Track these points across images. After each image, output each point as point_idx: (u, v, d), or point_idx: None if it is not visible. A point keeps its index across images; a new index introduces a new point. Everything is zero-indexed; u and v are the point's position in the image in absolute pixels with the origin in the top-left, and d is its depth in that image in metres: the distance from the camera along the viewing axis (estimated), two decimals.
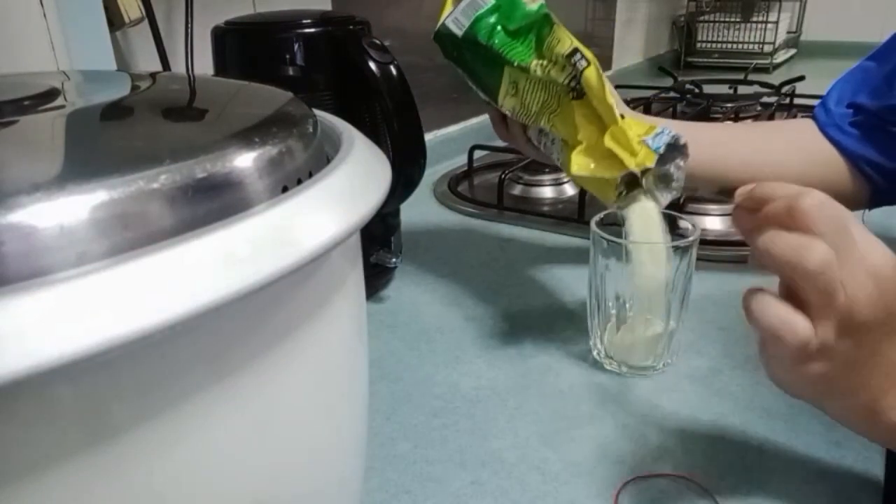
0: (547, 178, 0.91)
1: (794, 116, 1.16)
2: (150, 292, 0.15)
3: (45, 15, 0.51)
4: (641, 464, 0.41)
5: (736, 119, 1.20)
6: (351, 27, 0.55)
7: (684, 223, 0.51)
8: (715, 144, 0.61)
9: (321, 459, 0.25)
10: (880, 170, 0.60)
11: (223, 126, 0.23)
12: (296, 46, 0.53)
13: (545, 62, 0.49)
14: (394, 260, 0.61)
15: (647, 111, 1.29)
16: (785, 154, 0.63)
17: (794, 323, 0.32)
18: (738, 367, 0.51)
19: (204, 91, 0.28)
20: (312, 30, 0.53)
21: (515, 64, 0.50)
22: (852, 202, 0.61)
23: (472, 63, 0.53)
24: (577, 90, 0.47)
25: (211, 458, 0.19)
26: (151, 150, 0.19)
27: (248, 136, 0.21)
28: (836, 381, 0.33)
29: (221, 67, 0.56)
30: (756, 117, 1.20)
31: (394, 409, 0.47)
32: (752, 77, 1.50)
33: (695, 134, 0.48)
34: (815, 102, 1.27)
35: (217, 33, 0.56)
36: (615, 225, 0.50)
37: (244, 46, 0.56)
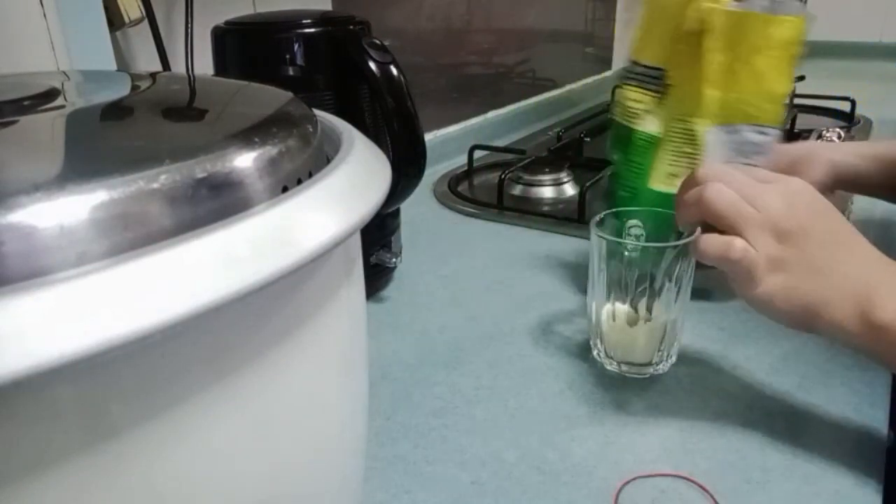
0: (547, 178, 0.91)
1: (794, 117, 1.15)
2: (150, 292, 0.15)
3: (45, 15, 0.51)
4: (641, 464, 0.41)
5: None
6: (351, 27, 0.55)
7: None
8: None
9: (321, 459, 0.25)
10: None
11: (223, 126, 0.23)
12: (296, 46, 0.53)
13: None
14: (394, 260, 0.61)
15: None
16: None
17: (730, 242, 0.40)
18: (738, 367, 0.51)
19: (204, 91, 0.28)
20: (312, 30, 0.53)
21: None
22: None
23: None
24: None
25: (211, 458, 0.19)
26: (151, 150, 0.19)
27: (248, 136, 0.21)
28: (804, 291, 0.39)
29: (221, 67, 0.56)
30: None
31: (394, 409, 0.47)
32: None
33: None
34: (814, 102, 1.28)
35: (217, 33, 0.56)
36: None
37: (244, 46, 0.56)
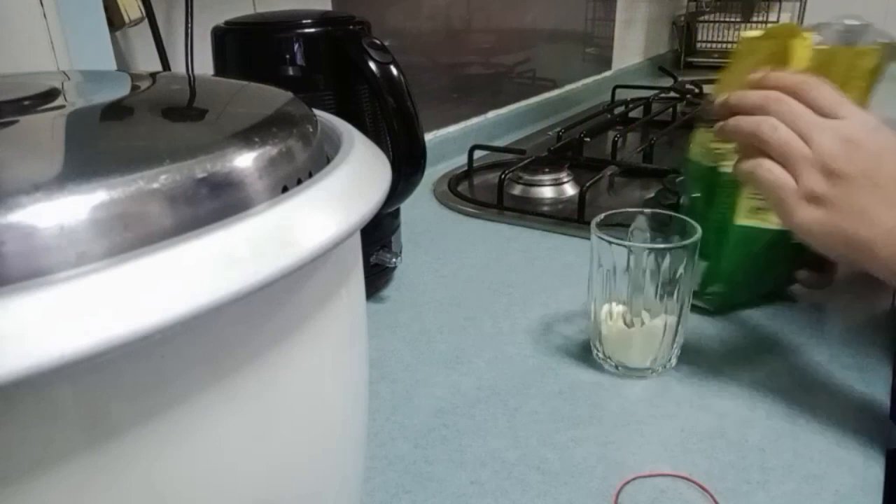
0: (547, 178, 0.91)
1: None
2: (150, 292, 0.15)
3: (45, 15, 0.51)
4: (641, 464, 0.41)
5: None
6: (351, 27, 0.55)
7: (690, 223, 0.51)
8: None
9: (321, 460, 0.25)
10: None
11: (223, 126, 0.23)
12: (296, 46, 0.53)
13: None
14: (394, 260, 0.61)
15: (647, 111, 1.29)
16: None
17: (759, 163, 0.42)
18: (738, 367, 0.51)
19: (204, 91, 0.28)
20: (312, 30, 0.53)
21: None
22: None
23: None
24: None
25: (211, 458, 0.19)
26: (151, 150, 0.19)
27: (248, 136, 0.21)
28: (844, 229, 0.39)
29: (221, 67, 0.56)
30: None
31: (394, 409, 0.47)
32: None
33: None
34: None
35: (217, 33, 0.56)
36: (615, 225, 0.50)
37: (244, 46, 0.56)
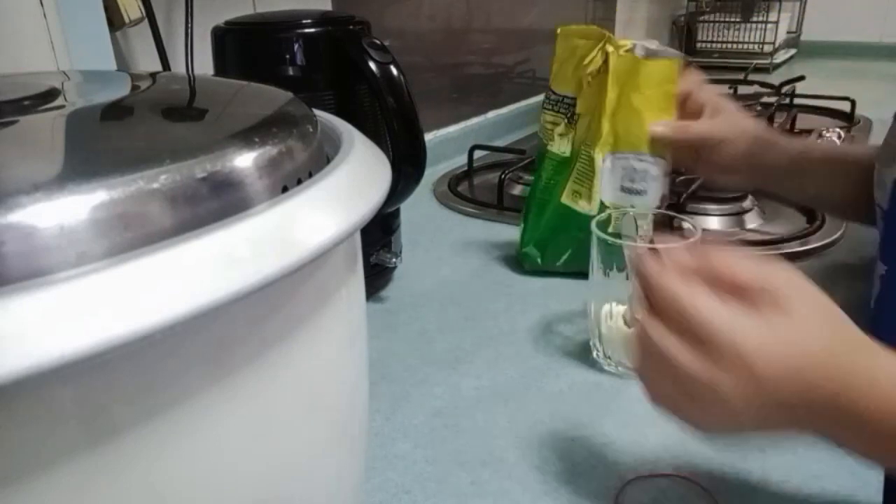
0: None
1: (794, 117, 1.15)
2: (150, 292, 0.15)
3: (45, 15, 0.51)
4: (641, 464, 0.41)
5: None
6: (351, 27, 0.55)
7: (686, 223, 0.51)
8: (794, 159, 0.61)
9: (321, 459, 0.25)
10: None
11: (223, 126, 0.23)
12: (296, 46, 0.53)
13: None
14: (394, 260, 0.61)
15: None
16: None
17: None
18: None
19: (204, 91, 0.28)
20: (312, 30, 0.53)
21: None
22: None
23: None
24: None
25: (211, 457, 0.19)
26: (151, 150, 0.19)
27: (248, 136, 0.21)
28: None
29: (221, 67, 0.56)
30: (755, 118, 1.20)
31: (394, 409, 0.47)
32: (752, 77, 1.50)
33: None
34: (814, 102, 1.28)
35: (217, 33, 0.56)
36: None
37: (244, 46, 0.56)
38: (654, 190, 0.60)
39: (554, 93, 0.64)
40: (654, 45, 0.61)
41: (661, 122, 0.58)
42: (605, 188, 0.61)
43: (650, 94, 0.58)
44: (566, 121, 0.63)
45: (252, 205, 0.19)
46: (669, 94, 0.58)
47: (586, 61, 0.60)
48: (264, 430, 0.21)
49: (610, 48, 0.59)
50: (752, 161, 0.59)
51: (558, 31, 0.65)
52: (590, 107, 0.61)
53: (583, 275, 0.54)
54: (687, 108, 0.60)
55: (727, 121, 0.59)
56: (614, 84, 0.59)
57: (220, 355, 0.19)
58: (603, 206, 0.61)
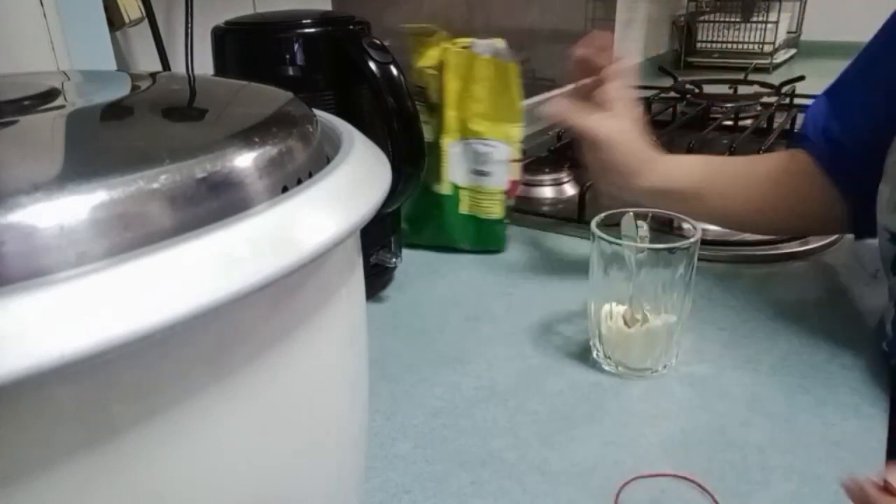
0: (547, 178, 0.90)
1: (794, 117, 1.15)
2: (150, 292, 0.15)
3: (45, 15, 0.51)
4: (641, 464, 0.41)
5: (736, 119, 1.20)
6: (351, 27, 0.55)
7: (686, 224, 0.51)
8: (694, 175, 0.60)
9: (321, 459, 0.25)
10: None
11: (223, 126, 0.23)
12: (296, 46, 0.53)
13: None
14: (394, 260, 0.61)
15: (646, 111, 1.29)
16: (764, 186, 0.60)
17: None
18: (738, 368, 0.51)
19: (204, 91, 0.28)
20: (312, 30, 0.53)
21: None
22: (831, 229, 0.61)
23: None
24: None
25: (211, 457, 0.19)
26: (151, 150, 0.19)
27: (248, 136, 0.21)
28: None
29: (221, 67, 0.56)
30: (756, 117, 1.20)
31: (394, 409, 0.47)
32: (752, 77, 1.50)
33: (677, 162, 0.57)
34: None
35: (217, 33, 0.56)
36: (615, 225, 0.50)
37: (244, 46, 0.56)
38: (499, 172, 0.68)
39: (415, 85, 0.68)
40: (501, 44, 0.67)
41: (556, 101, 0.59)
42: (455, 171, 0.68)
43: (488, 86, 0.66)
44: (428, 111, 0.68)
45: (252, 205, 0.19)
46: (508, 90, 0.66)
47: (426, 57, 0.67)
48: (264, 430, 0.21)
49: (446, 45, 0.66)
50: (636, 179, 0.58)
51: (404, 28, 0.70)
52: (438, 98, 0.67)
53: (455, 250, 0.70)
54: (595, 97, 0.59)
55: (619, 126, 0.58)
56: (454, 78, 0.65)
57: (220, 355, 0.19)
58: (455, 187, 0.69)
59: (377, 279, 0.63)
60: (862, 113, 0.55)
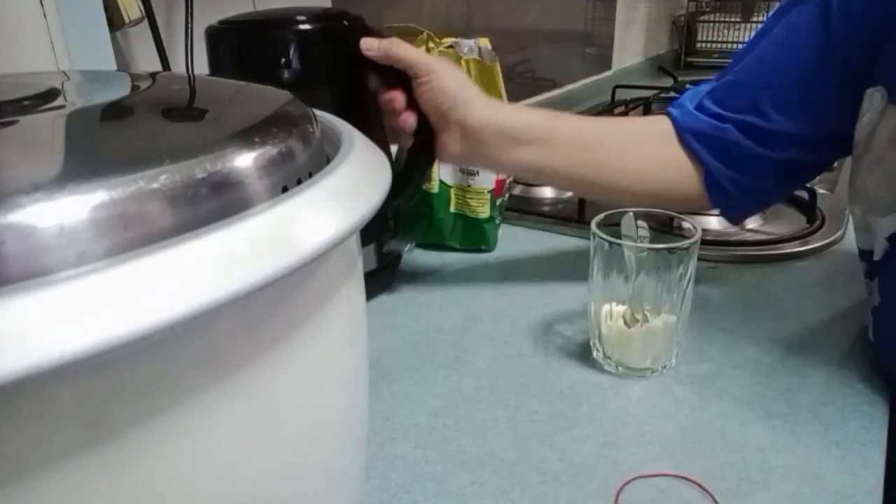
0: None
1: None
2: (150, 292, 0.15)
3: (45, 15, 0.51)
4: (641, 464, 0.41)
5: None
6: (350, 25, 0.55)
7: (686, 224, 0.51)
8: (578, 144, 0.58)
9: (321, 459, 0.25)
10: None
11: (223, 126, 0.23)
12: (294, 45, 0.53)
13: None
14: (406, 246, 0.62)
15: (646, 111, 1.29)
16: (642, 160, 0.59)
17: None
18: (738, 367, 0.51)
19: (204, 91, 0.28)
20: (311, 27, 0.53)
21: None
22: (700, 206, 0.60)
23: None
24: None
25: (211, 457, 0.19)
26: (151, 150, 0.19)
27: (248, 136, 0.21)
28: None
29: (216, 67, 0.56)
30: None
31: (394, 409, 0.47)
32: None
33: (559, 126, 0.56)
34: None
35: (211, 33, 0.55)
36: (615, 225, 0.50)
37: (240, 45, 0.55)
38: (487, 172, 0.68)
39: None
40: (485, 44, 0.67)
41: (367, 42, 0.53)
42: (444, 169, 0.69)
43: (497, 85, 0.67)
44: None
45: (252, 205, 0.19)
46: (492, 89, 0.66)
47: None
48: (264, 430, 0.21)
49: (431, 45, 0.65)
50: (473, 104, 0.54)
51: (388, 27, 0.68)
52: None
53: (440, 247, 0.71)
54: (416, 87, 0.53)
55: (441, 60, 0.54)
56: None
57: (220, 355, 0.19)
58: (443, 186, 0.69)
59: (391, 272, 0.64)
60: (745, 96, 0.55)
